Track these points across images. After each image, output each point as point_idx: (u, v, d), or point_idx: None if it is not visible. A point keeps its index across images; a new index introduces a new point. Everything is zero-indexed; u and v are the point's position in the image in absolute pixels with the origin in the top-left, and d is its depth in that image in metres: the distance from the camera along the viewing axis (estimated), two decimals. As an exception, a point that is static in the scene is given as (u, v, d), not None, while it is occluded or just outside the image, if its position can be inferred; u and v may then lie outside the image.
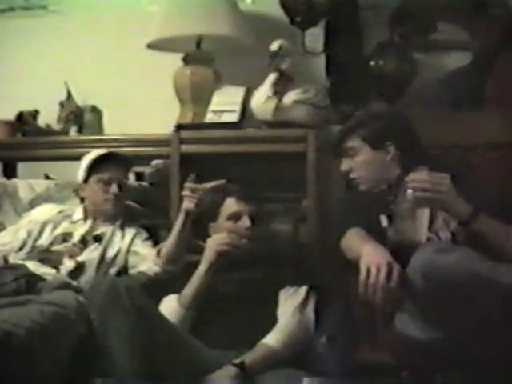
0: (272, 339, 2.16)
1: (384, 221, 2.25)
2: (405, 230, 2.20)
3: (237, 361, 2.07)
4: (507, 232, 2.05)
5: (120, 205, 2.73)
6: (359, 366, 2.18)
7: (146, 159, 3.16)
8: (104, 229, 2.68)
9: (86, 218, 2.71)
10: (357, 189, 2.42)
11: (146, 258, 2.57)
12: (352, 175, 2.42)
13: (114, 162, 2.73)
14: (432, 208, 2.12)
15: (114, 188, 2.69)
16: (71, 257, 2.54)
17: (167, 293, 2.38)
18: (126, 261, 2.63)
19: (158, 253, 2.49)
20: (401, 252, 2.06)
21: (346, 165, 2.43)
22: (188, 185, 2.47)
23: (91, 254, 2.58)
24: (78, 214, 2.73)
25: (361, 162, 2.40)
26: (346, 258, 2.19)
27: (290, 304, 2.28)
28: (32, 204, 3.00)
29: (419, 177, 2.03)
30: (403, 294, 1.93)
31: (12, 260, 2.55)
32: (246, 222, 2.40)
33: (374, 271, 1.93)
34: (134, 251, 2.63)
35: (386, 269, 1.92)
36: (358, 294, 1.96)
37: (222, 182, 2.46)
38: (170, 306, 2.29)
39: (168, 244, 2.48)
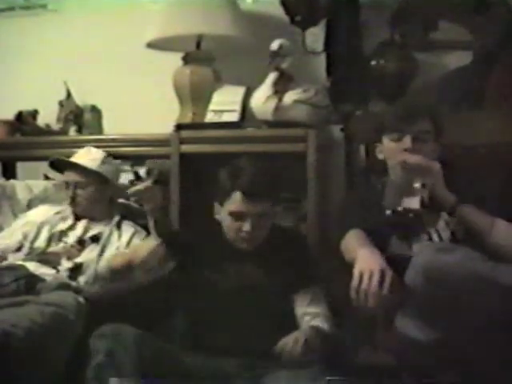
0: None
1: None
2: None
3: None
4: (490, 223, 2.08)
5: (81, 205, 2.73)
6: (360, 367, 2.17)
7: (146, 159, 3.16)
8: (100, 228, 2.67)
9: (79, 219, 2.71)
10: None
11: None
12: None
13: (69, 166, 2.76)
14: (421, 182, 2.09)
15: (70, 191, 2.72)
16: (69, 258, 2.53)
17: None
18: None
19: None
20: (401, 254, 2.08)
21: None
22: (132, 190, 2.47)
23: (89, 255, 2.57)
24: (72, 214, 2.73)
25: (429, 150, 2.25)
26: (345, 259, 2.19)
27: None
28: (30, 205, 3.00)
29: (413, 157, 2.09)
30: (395, 300, 1.93)
31: (11, 261, 2.54)
32: (246, 226, 2.24)
33: (366, 277, 1.93)
34: None
35: (378, 275, 1.92)
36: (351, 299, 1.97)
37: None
38: None
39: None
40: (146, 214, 2.90)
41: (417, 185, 2.06)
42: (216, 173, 2.49)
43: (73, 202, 2.71)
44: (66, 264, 2.52)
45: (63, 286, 2.32)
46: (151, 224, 2.34)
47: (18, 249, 2.62)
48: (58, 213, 2.77)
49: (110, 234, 2.66)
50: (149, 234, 2.70)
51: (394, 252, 2.16)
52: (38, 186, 3.13)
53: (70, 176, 2.74)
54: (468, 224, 2.09)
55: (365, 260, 1.99)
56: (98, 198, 2.76)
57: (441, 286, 1.82)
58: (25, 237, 2.65)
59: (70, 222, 2.71)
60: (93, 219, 2.71)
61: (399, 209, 2.04)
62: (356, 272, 1.96)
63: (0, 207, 3.02)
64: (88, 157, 2.77)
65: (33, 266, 2.46)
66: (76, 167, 2.74)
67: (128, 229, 2.70)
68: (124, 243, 2.64)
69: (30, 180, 3.18)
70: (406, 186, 2.06)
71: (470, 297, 1.80)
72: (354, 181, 2.79)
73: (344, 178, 2.88)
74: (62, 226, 2.69)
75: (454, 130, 2.50)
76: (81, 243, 2.61)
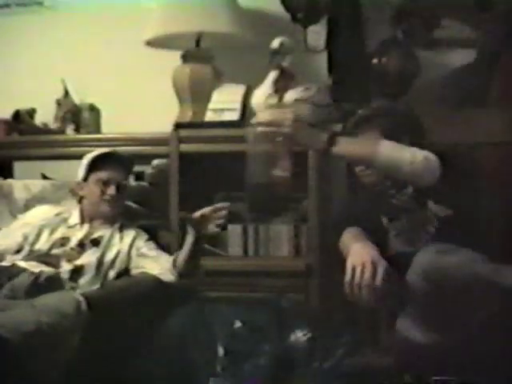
0: None
1: (385, 220, 2.24)
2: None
3: None
4: (373, 145, 2.02)
5: (118, 206, 2.68)
6: (361, 368, 2.16)
7: (145, 158, 3.13)
8: (102, 232, 2.63)
9: (82, 222, 2.67)
10: (362, 183, 2.37)
11: (157, 261, 2.54)
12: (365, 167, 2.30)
13: (115, 163, 2.68)
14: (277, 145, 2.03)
15: (111, 189, 2.64)
16: (69, 261, 2.50)
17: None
18: (127, 262, 2.59)
19: (174, 262, 2.46)
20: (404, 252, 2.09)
21: None
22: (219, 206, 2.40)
23: (89, 258, 2.54)
24: (75, 217, 2.68)
25: None
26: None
27: None
28: (27, 205, 2.96)
29: (262, 116, 2.01)
30: (390, 291, 1.94)
31: (9, 262, 2.51)
32: None
33: (358, 271, 1.95)
34: (140, 253, 2.59)
35: (370, 268, 1.95)
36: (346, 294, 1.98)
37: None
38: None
39: (182, 257, 2.46)
40: (145, 215, 2.91)
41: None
42: (216, 172, 2.47)
43: (113, 202, 2.64)
44: (66, 266, 2.49)
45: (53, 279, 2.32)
46: None
47: (18, 251, 2.58)
48: (58, 214, 2.73)
49: (112, 236, 2.63)
50: (150, 236, 2.70)
51: (393, 249, 2.19)
52: (36, 185, 3.09)
53: (115, 174, 2.66)
54: (349, 158, 2.09)
55: (357, 253, 2.02)
56: (126, 199, 2.75)
57: (441, 288, 1.82)
58: (25, 239, 2.61)
59: (76, 225, 2.66)
60: (98, 221, 2.67)
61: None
62: (349, 266, 1.98)
63: (-3, 207, 3.01)
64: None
65: (32, 266, 2.42)
66: (123, 165, 2.70)
67: (129, 232, 2.67)
68: (126, 246, 2.61)
69: (28, 179, 3.14)
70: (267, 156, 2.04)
71: (470, 298, 1.81)
72: (355, 180, 2.77)
73: (344, 177, 2.87)
74: (63, 229, 2.64)
75: (456, 129, 2.50)
76: (81, 246, 2.58)
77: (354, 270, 1.96)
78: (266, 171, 2.02)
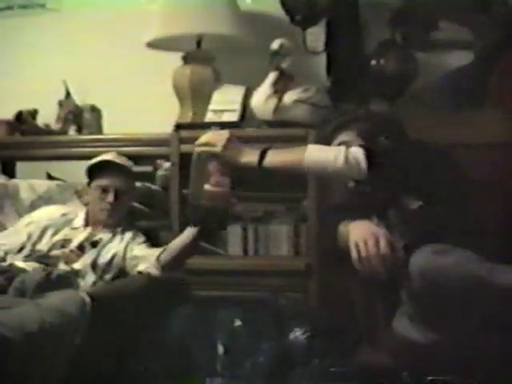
0: None
1: (375, 220, 2.24)
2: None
3: None
4: (299, 152, 2.06)
5: (117, 213, 2.65)
6: (359, 367, 2.17)
7: (146, 159, 3.15)
8: (103, 235, 2.62)
9: (86, 225, 2.66)
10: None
11: (145, 259, 2.54)
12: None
13: (114, 170, 2.66)
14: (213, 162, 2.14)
15: (110, 197, 2.62)
16: (67, 263, 2.51)
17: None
18: (123, 264, 2.58)
19: (158, 257, 2.46)
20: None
21: None
22: None
23: (86, 260, 2.53)
24: (80, 220, 2.67)
25: None
26: (344, 257, 2.18)
27: None
28: (33, 205, 2.94)
29: (201, 138, 2.15)
30: (399, 258, 1.95)
31: (9, 261, 2.52)
32: None
33: (361, 244, 1.95)
34: (132, 256, 2.58)
35: (372, 239, 1.95)
36: (357, 278, 2.00)
37: None
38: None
39: (171, 252, 2.45)
40: (148, 216, 2.93)
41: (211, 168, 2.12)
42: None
43: (111, 210, 2.64)
44: (63, 268, 2.49)
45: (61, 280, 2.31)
46: None
47: (20, 250, 2.58)
48: (64, 214, 2.72)
49: (111, 239, 2.63)
50: (151, 236, 2.71)
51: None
52: (41, 185, 3.08)
53: (114, 181, 2.65)
54: (279, 168, 2.09)
55: (355, 230, 2.02)
56: (128, 205, 2.75)
57: (438, 288, 1.81)
58: (29, 238, 2.60)
59: (80, 227, 2.66)
60: (101, 225, 2.66)
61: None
62: (351, 245, 1.98)
63: (2, 206, 3.00)
64: (124, 161, 2.73)
65: (30, 267, 2.41)
66: (124, 172, 2.69)
67: (128, 234, 2.67)
68: (122, 248, 2.60)
69: (33, 180, 3.14)
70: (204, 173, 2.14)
71: (467, 298, 1.79)
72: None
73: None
74: (67, 231, 2.63)
75: (453, 130, 2.50)
76: (80, 248, 2.58)
77: (357, 245, 1.96)
78: (200, 187, 2.13)
